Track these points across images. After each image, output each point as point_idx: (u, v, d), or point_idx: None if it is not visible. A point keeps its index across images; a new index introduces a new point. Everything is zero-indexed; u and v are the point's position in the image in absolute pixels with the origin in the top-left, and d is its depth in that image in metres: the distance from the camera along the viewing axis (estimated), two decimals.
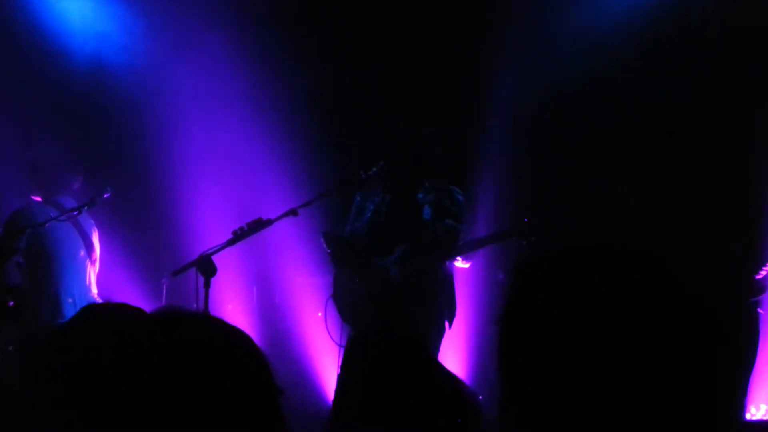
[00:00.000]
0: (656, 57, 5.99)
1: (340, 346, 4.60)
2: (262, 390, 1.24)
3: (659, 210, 6.01)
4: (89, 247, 5.23)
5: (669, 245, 5.58)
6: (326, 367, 4.60)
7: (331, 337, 4.69)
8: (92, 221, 5.33)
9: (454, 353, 5.63)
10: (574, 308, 1.04)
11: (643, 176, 6.21)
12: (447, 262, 4.63)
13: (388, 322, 4.35)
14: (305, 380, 6.14)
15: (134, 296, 6.22)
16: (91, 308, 1.95)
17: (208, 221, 6.27)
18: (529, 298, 1.09)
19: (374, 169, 4.62)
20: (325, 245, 4.69)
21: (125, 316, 1.83)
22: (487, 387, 5.68)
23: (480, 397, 5.63)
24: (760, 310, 4.61)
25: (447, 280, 4.61)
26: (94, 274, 5.27)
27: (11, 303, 5.00)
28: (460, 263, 4.63)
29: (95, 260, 5.28)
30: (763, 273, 4.76)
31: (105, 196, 5.07)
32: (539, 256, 1.13)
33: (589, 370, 1.01)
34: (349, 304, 4.62)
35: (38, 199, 5.17)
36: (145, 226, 6.73)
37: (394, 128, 4.77)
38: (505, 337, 1.11)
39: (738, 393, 1.07)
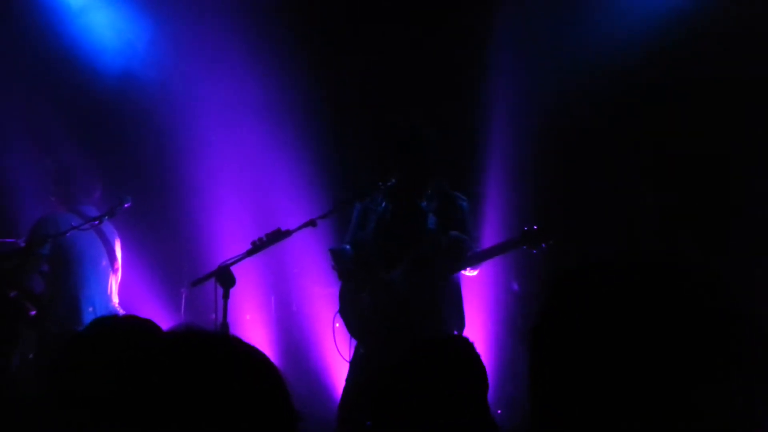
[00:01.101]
0: (664, 60, 5.96)
1: (348, 361, 4.58)
2: (280, 416, 1.22)
3: (678, 213, 5.97)
4: (111, 257, 5.26)
5: (691, 250, 5.53)
6: (344, 377, 4.60)
7: (339, 352, 4.68)
8: (115, 230, 5.37)
9: None
10: (612, 323, 1.01)
11: (659, 179, 6.18)
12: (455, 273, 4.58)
13: (399, 337, 4.32)
14: (323, 390, 6.14)
15: (153, 306, 6.26)
16: (102, 321, 1.98)
17: (228, 231, 6.30)
18: (564, 313, 1.07)
19: (393, 180, 4.60)
20: (332, 262, 4.68)
21: (137, 331, 1.85)
22: (504, 400, 5.66)
23: (499, 412, 5.62)
24: None
25: (454, 291, 4.55)
26: (116, 283, 5.30)
27: (33, 312, 5.04)
28: (467, 272, 4.58)
29: (117, 269, 5.31)
30: None
31: (126, 205, 5.10)
32: (574, 268, 1.10)
33: (625, 387, 0.99)
34: (357, 319, 4.58)
35: (60, 208, 5.22)
36: (165, 235, 6.78)
37: (396, 134, 4.73)
38: (537, 351, 1.09)
39: None
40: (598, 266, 1.09)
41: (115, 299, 5.26)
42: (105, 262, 5.21)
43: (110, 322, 1.98)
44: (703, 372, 0.98)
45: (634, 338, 1.00)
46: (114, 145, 6.79)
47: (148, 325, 1.91)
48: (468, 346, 2.33)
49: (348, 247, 4.71)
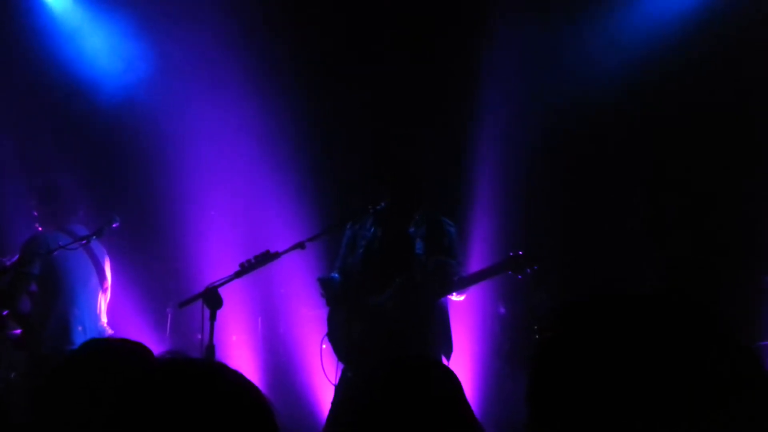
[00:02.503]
0: (654, 80, 5.99)
1: (335, 385, 4.58)
2: None
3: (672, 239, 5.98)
4: (101, 276, 5.24)
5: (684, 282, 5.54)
6: (330, 400, 4.59)
7: (325, 375, 4.67)
8: (104, 250, 5.36)
9: None
10: (613, 358, 1.02)
11: (652, 203, 6.19)
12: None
13: (392, 359, 4.32)
14: (308, 412, 6.12)
15: (139, 326, 6.23)
16: (94, 343, 1.98)
17: (216, 252, 6.30)
18: (565, 347, 1.08)
19: (382, 204, 4.63)
20: (321, 291, 4.69)
21: (128, 357, 1.85)
22: (491, 423, 5.66)
23: None
24: None
25: (442, 315, 4.57)
26: (105, 302, 5.27)
27: (18, 331, 5.01)
28: (454, 297, 4.60)
29: (107, 289, 5.29)
30: None
31: (114, 225, 5.10)
32: (577, 301, 1.11)
33: (627, 418, 0.99)
34: (345, 343, 4.58)
35: (49, 227, 5.20)
36: (152, 255, 6.77)
37: (386, 159, 4.78)
38: (536, 383, 1.09)
39: None
40: (603, 298, 1.10)
41: (104, 318, 5.24)
42: (94, 281, 5.19)
43: (102, 345, 1.97)
44: (702, 405, 0.98)
45: (637, 371, 1.01)
46: (103, 165, 6.79)
47: (140, 350, 1.90)
48: (442, 366, 2.35)
49: (336, 275, 4.74)
